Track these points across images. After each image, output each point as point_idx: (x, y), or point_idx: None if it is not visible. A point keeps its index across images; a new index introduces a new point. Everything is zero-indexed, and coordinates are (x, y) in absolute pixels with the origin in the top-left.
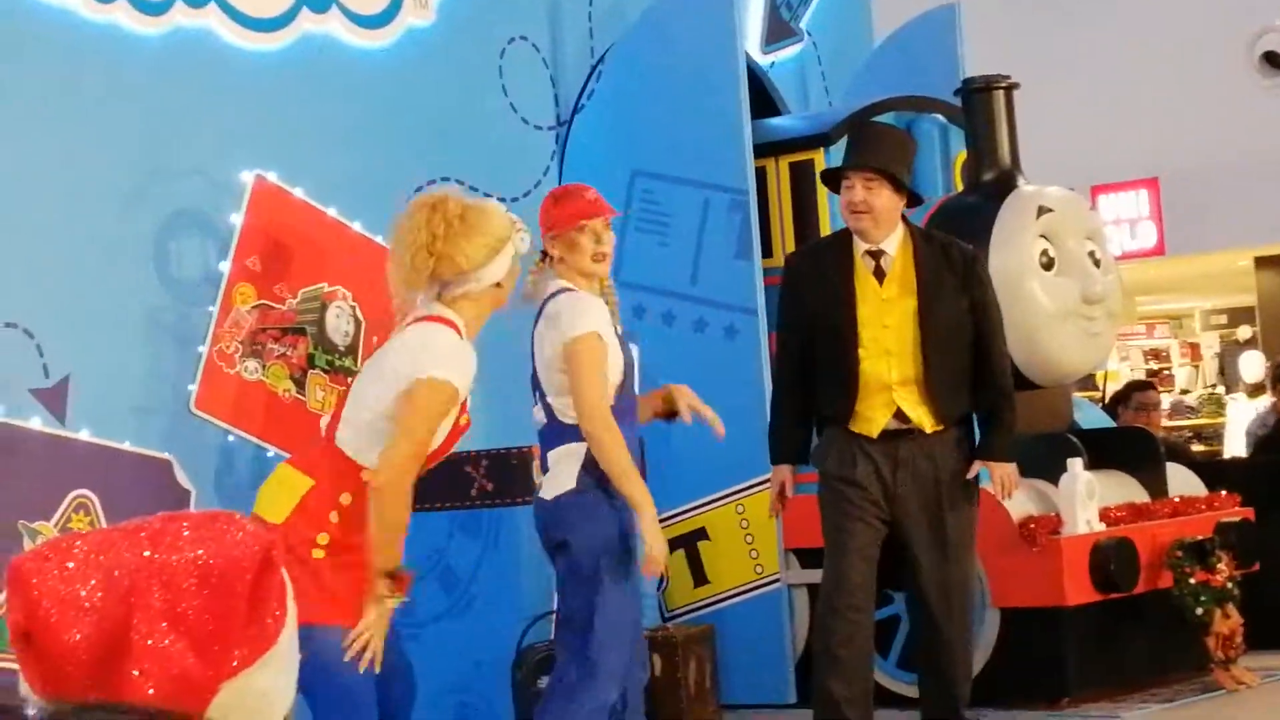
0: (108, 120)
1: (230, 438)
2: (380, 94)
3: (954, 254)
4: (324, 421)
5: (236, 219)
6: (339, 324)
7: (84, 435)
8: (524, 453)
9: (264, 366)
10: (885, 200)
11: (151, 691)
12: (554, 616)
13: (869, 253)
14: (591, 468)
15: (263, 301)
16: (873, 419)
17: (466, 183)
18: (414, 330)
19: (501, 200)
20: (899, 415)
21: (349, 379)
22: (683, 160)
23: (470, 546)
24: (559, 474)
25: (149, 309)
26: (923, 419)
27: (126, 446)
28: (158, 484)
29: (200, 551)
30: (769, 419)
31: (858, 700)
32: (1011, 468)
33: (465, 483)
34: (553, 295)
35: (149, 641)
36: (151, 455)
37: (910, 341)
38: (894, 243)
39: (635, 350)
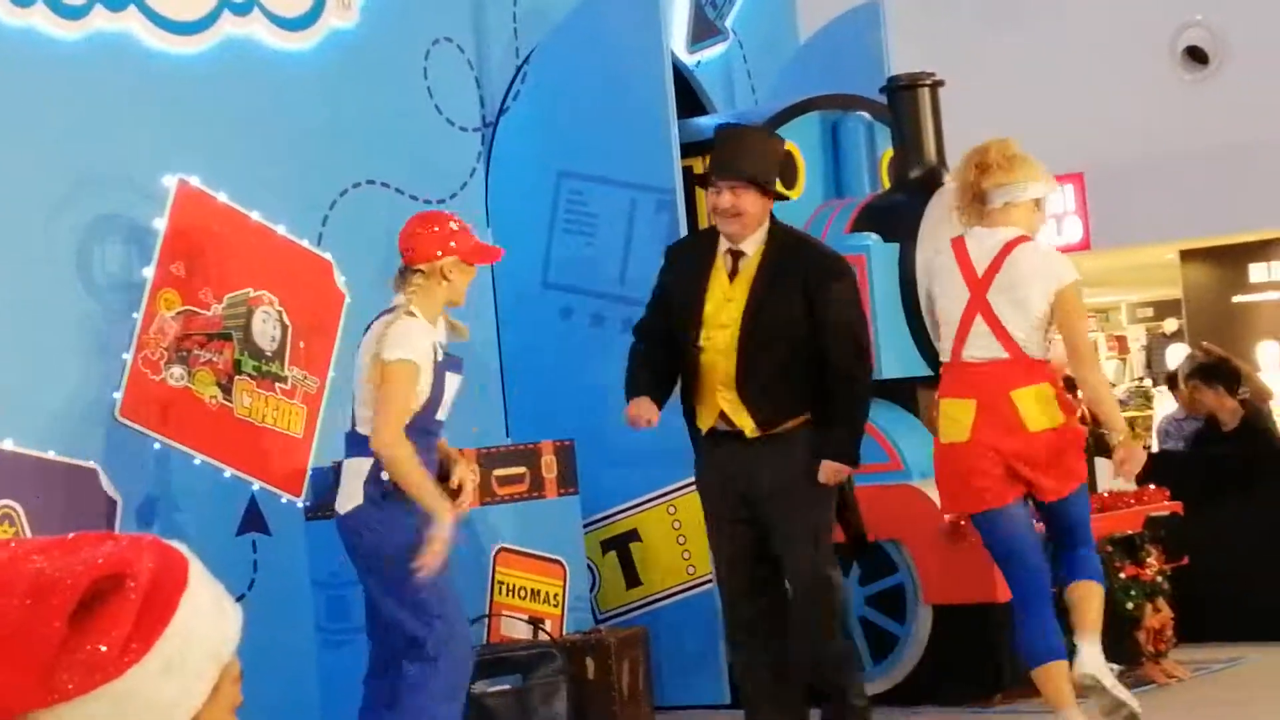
0: (28, 126)
1: (157, 445)
2: (304, 96)
3: (806, 256)
4: None
5: (160, 224)
6: (265, 329)
7: (8, 445)
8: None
9: (190, 373)
10: (751, 204)
11: None
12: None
13: (730, 251)
14: (377, 482)
15: (187, 307)
16: (705, 418)
17: (391, 185)
18: None
19: (426, 203)
20: (723, 417)
21: (275, 385)
22: (609, 161)
23: None
24: (349, 489)
25: (73, 316)
26: (743, 423)
27: (51, 456)
28: (84, 493)
29: (42, 564)
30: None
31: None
32: (837, 466)
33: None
34: (389, 311)
35: None
36: (77, 464)
37: (737, 343)
38: (754, 243)
39: (457, 380)
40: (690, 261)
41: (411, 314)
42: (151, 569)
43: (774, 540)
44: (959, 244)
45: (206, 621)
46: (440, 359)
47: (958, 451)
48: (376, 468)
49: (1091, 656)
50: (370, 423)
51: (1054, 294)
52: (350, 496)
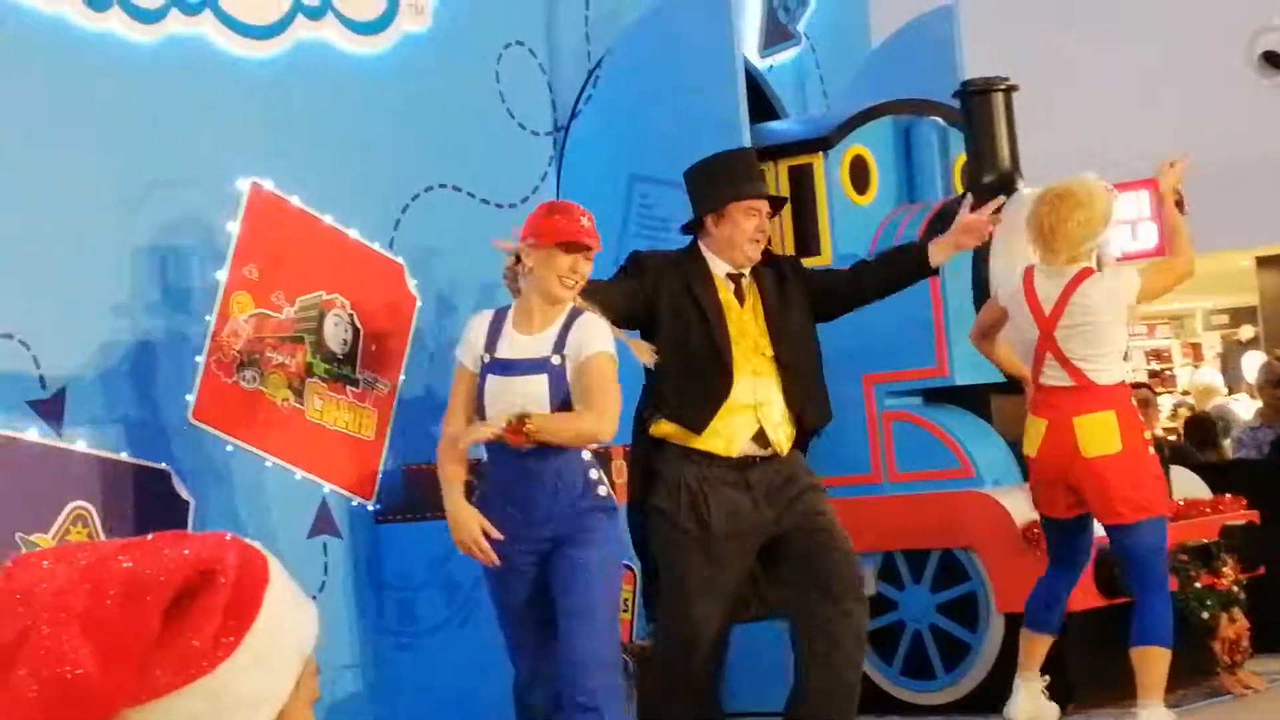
0: (103, 129)
1: (229, 447)
2: (376, 100)
3: (775, 264)
4: None
5: (233, 227)
6: (337, 332)
7: (81, 446)
8: None
9: (262, 375)
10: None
11: (35, 692)
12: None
13: (730, 276)
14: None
15: (260, 310)
16: (732, 442)
17: (464, 189)
18: None
19: (498, 207)
20: (758, 437)
21: (347, 387)
22: (681, 164)
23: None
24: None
25: (146, 319)
26: (781, 442)
27: (124, 457)
28: (156, 495)
29: (129, 563)
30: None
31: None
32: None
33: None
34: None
35: (46, 642)
36: (149, 466)
37: (769, 363)
38: (746, 269)
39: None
40: (681, 282)
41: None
42: (237, 565)
43: (812, 554)
44: (1028, 276)
45: (290, 616)
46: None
47: (1032, 464)
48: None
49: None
50: None
51: (1126, 310)
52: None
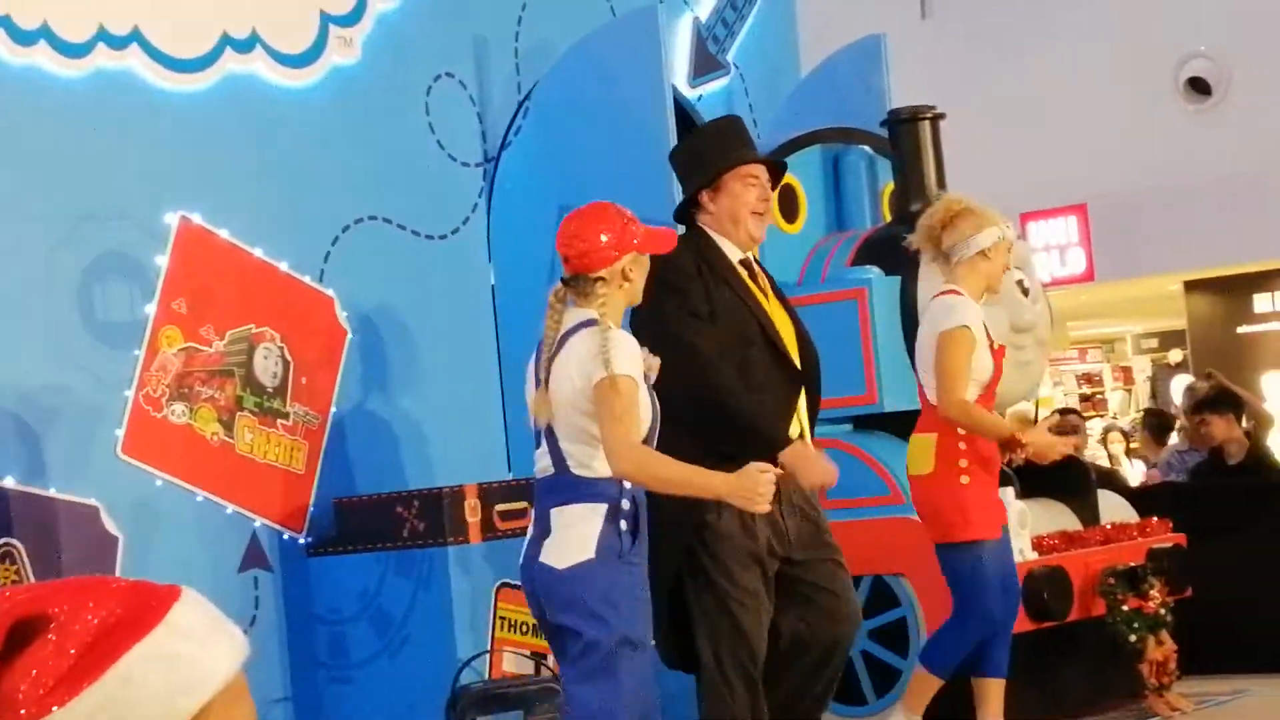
0: (29, 163)
1: (159, 482)
2: (306, 133)
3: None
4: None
5: (161, 261)
6: (267, 365)
7: (9, 482)
8: (455, 491)
9: (191, 410)
10: None
11: None
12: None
13: (741, 262)
14: (619, 533)
15: (189, 344)
16: (789, 431)
17: (394, 221)
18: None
19: (428, 238)
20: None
21: (278, 420)
22: (611, 195)
23: (403, 587)
24: (570, 539)
25: (74, 353)
26: (806, 431)
27: (53, 493)
28: (85, 531)
29: None
30: (733, 417)
31: None
32: None
33: (397, 523)
34: (575, 330)
35: None
36: (78, 501)
37: (800, 350)
38: (752, 253)
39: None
40: (718, 275)
41: (610, 327)
42: (98, 613)
43: (825, 576)
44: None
45: (164, 674)
46: None
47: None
48: (615, 514)
49: None
50: (590, 460)
51: (936, 340)
52: (573, 549)
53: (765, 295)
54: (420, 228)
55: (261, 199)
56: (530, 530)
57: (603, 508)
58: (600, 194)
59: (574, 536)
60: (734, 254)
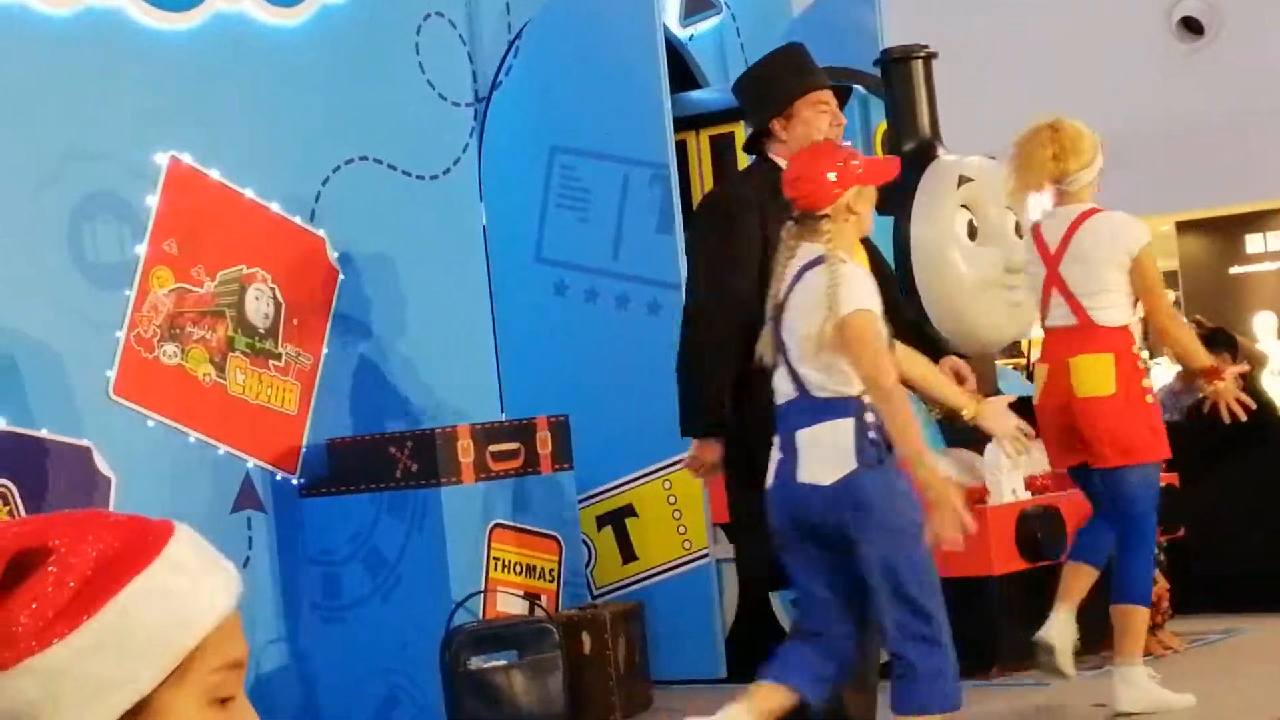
0: (18, 103)
1: (150, 423)
2: (295, 73)
3: None
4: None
5: (152, 201)
6: (259, 306)
7: (1, 424)
8: (448, 432)
9: (183, 351)
10: None
11: None
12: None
13: None
14: (872, 444)
15: (180, 285)
16: None
17: (384, 161)
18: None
19: (419, 178)
20: None
21: (269, 361)
22: (602, 135)
23: (396, 528)
24: (826, 457)
25: (65, 294)
26: None
27: (45, 434)
28: (78, 472)
29: None
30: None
31: None
32: None
33: (390, 464)
34: (811, 265)
35: None
36: (70, 443)
37: None
38: None
39: None
40: (782, 203)
41: (844, 260)
42: (96, 546)
43: None
44: (1035, 228)
45: (162, 607)
46: None
47: (1037, 414)
48: (863, 428)
49: (1128, 682)
50: (828, 384)
51: (1128, 259)
52: (833, 464)
53: None
54: (411, 168)
55: (251, 139)
56: (777, 454)
57: (849, 422)
58: (590, 133)
59: (830, 453)
60: None
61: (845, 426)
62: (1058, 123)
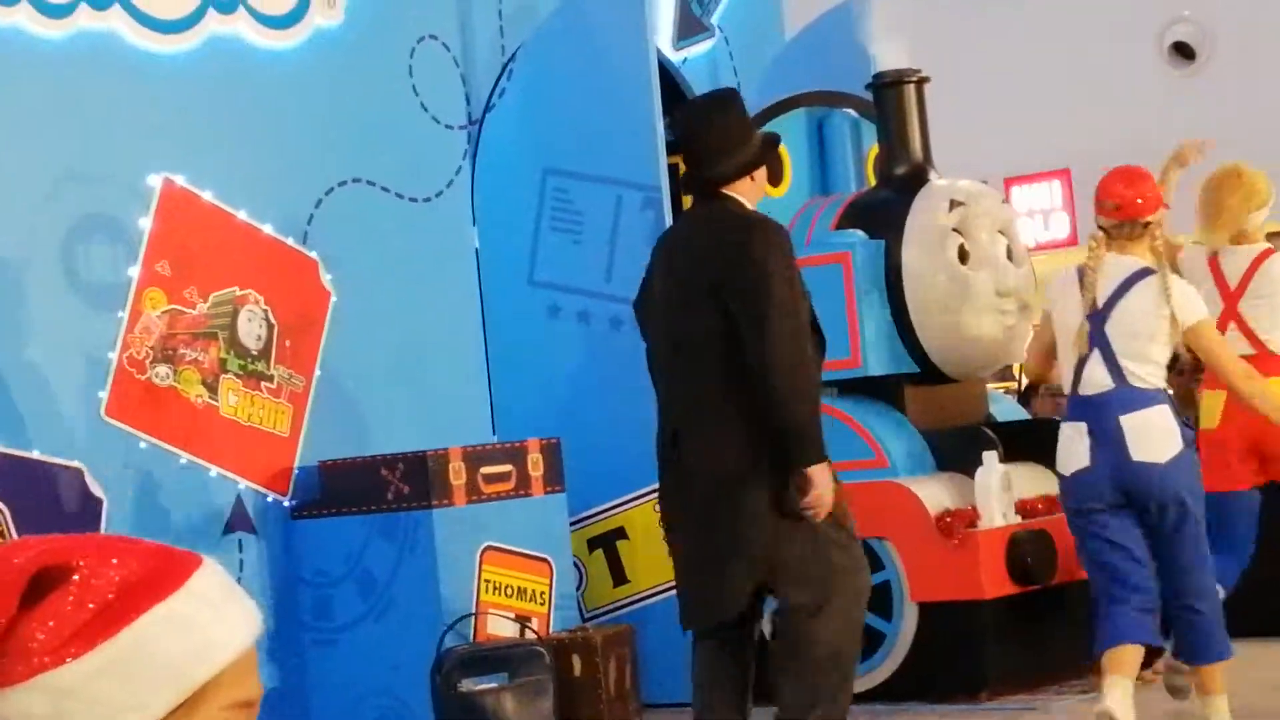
0: (12, 125)
1: (142, 444)
2: (289, 95)
3: None
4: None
5: (145, 223)
6: (251, 328)
7: None
8: (440, 454)
9: (175, 372)
10: None
11: None
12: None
13: None
14: (1184, 426)
15: (173, 306)
16: None
17: (377, 183)
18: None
19: (411, 201)
20: None
21: (261, 383)
22: (595, 158)
23: (387, 550)
24: (1158, 440)
25: (58, 315)
26: None
27: (36, 455)
28: (69, 493)
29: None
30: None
31: None
32: None
33: (381, 486)
34: (1141, 275)
35: None
36: (62, 464)
37: None
38: None
39: None
40: None
41: (1171, 276)
42: (120, 570)
43: None
44: (1212, 261)
45: (174, 639)
46: None
47: (1208, 437)
48: (1176, 413)
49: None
50: (1149, 377)
51: None
52: (1165, 446)
53: None
54: (404, 190)
55: (244, 161)
56: (1084, 439)
57: (1166, 409)
58: (583, 156)
59: (1160, 435)
60: None
61: (1166, 412)
62: (1241, 168)
